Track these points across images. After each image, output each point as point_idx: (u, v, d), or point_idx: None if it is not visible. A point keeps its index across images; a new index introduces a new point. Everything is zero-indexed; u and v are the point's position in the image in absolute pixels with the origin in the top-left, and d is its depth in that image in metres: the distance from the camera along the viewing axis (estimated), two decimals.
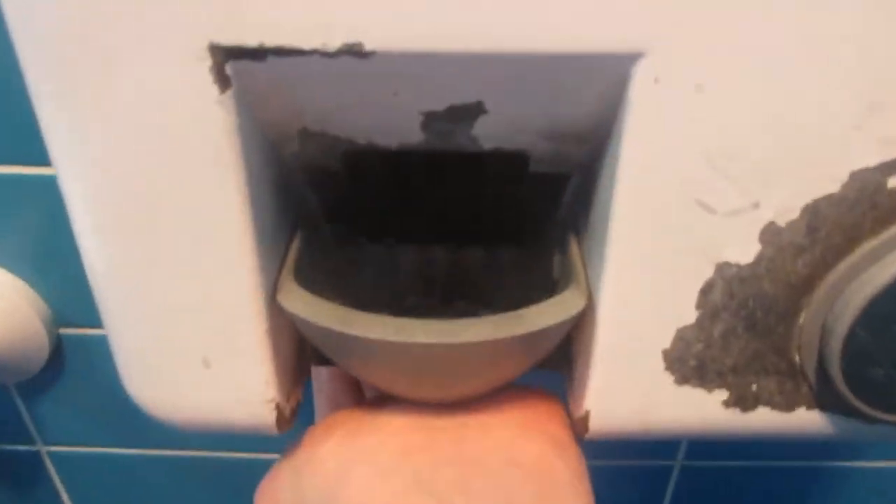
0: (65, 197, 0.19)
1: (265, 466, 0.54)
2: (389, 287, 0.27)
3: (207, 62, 0.16)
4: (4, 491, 0.60)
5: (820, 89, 0.16)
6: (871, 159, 0.17)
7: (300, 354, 0.24)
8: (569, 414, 0.24)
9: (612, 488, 0.57)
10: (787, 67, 0.16)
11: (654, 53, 0.16)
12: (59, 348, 0.51)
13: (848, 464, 0.56)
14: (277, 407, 0.22)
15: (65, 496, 0.60)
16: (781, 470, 0.57)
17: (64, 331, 0.50)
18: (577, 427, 0.22)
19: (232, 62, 0.16)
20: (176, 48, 0.16)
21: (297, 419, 0.24)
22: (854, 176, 0.18)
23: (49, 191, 0.42)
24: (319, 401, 0.30)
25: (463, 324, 0.19)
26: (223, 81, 0.16)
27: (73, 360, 0.51)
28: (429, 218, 0.25)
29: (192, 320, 0.20)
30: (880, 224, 0.18)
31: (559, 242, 0.24)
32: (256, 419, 0.22)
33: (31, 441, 0.56)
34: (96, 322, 0.48)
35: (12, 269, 0.47)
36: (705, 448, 0.55)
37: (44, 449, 0.57)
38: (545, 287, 0.25)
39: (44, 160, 0.41)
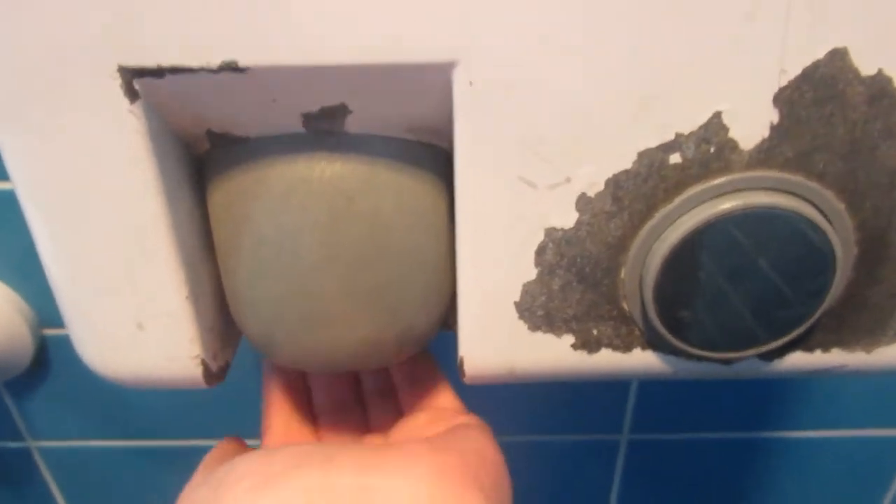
0: (17, 192, 0.23)
1: None
2: None
3: (118, 80, 0.21)
4: None
5: (603, 85, 0.21)
6: (653, 141, 0.22)
7: (224, 320, 0.28)
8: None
9: (562, 466, 0.61)
10: (574, 68, 0.21)
11: (464, 61, 0.20)
12: (43, 348, 0.54)
13: (790, 434, 0.59)
14: (203, 363, 0.26)
15: (55, 490, 0.63)
16: (728, 442, 0.60)
17: (47, 331, 0.53)
18: (459, 372, 0.27)
19: (137, 79, 0.21)
20: (93, 69, 0.20)
21: (226, 377, 0.28)
22: (641, 154, 0.22)
23: None
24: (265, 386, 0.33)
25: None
26: (132, 94, 0.21)
27: (57, 358, 0.55)
28: None
29: (125, 291, 0.25)
30: (671, 193, 0.23)
31: None
32: (186, 374, 0.26)
33: (20, 438, 0.59)
34: None
35: None
36: (650, 421, 0.58)
37: (33, 444, 0.60)
38: None
39: None
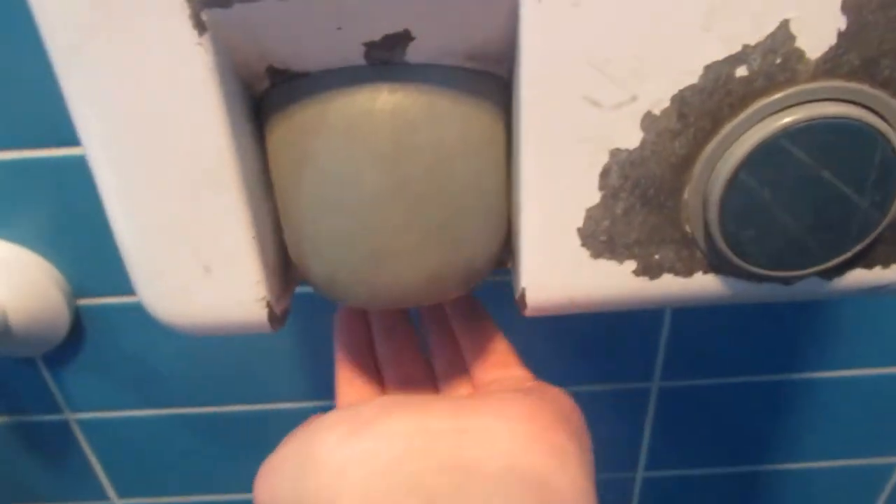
0: (79, 130, 0.23)
1: (285, 417, 0.59)
2: None
3: (187, 11, 0.21)
4: (36, 459, 0.64)
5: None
6: (720, 53, 0.22)
7: (285, 264, 0.28)
8: (518, 300, 0.27)
9: (593, 415, 0.61)
10: None
11: None
12: (78, 319, 0.55)
13: (819, 374, 0.60)
14: (268, 305, 0.26)
15: (94, 460, 0.64)
16: (758, 385, 0.60)
17: (82, 301, 0.54)
18: (520, 305, 0.27)
19: (206, 10, 0.21)
20: (163, 2, 0.20)
21: (288, 321, 0.29)
22: (708, 68, 0.22)
23: (65, 171, 0.46)
24: (336, 345, 0.33)
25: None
26: (200, 26, 0.21)
27: (93, 329, 0.55)
28: None
29: (192, 234, 0.25)
30: (736, 108, 0.23)
31: None
32: (252, 317, 0.27)
33: (58, 410, 0.60)
34: (113, 292, 0.52)
35: (32, 247, 0.51)
36: (681, 368, 0.59)
37: (71, 417, 0.61)
38: None
39: (58, 142, 0.45)
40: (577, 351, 0.57)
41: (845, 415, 0.62)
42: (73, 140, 0.44)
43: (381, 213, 0.25)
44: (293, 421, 0.60)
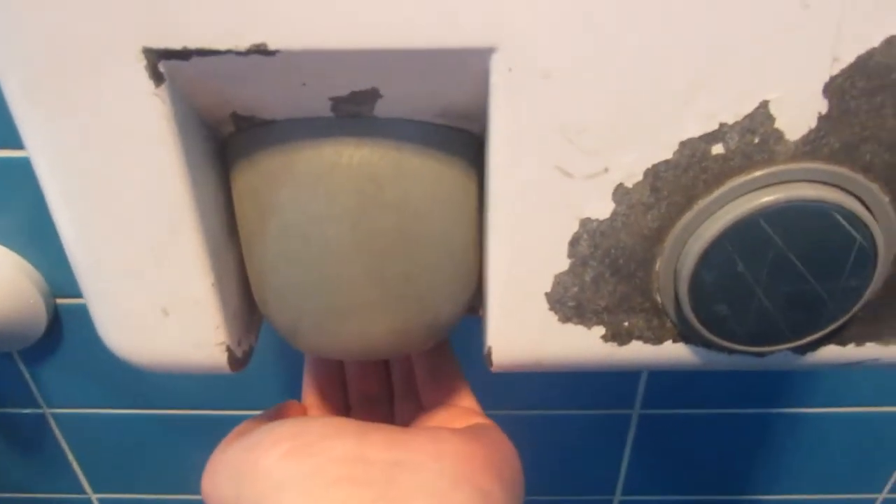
0: (37, 174, 0.23)
1: None
2: None
3: (143, 62, 0.20)
4: (13, 452, 0.64)
5: (648, 73, 0.20)
6: (696, 130, 0.21)
7: (249, 305, 0.28)
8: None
9: (574, 441, 0.61)
10: (618, 56, 0.20)
11: (504, 48, 0.20)
12: (56, 317, 0.55)
13: (799, 410, 0.60)
14: (228, 349, 0.26)
15: (70, 455, 0.64)
16: (738, 417, 0.60)
17: (60, 301, 0.53)
18: (486, 361, 0.26)
19: (163, 62, 0.20)
20: (118, 52, 0.20)
21: (250, 363, 0.28)
22: (683, 144, 0.21)
23: None
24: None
25: None
26: (157, 77, 0.20)
27: (70, 327, 0.55)
28: None
29: (150, 277, 0.24)
30: (711, 185, 0.22)
31: None
32: (211, 360, 0.26)
33: (35, 404, 0.60)
34: None
35: (11, 246, 0.51)
36: (662, 397, 0.59)
37: (48, 411, 0.61)
38: None
39: None
40: (561, 375, 0.57)
41: (824, 450, 0.62)
42: None
43: (344, 267, 0.24)
44: None
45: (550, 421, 0.60)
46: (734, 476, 0.65)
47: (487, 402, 0.57)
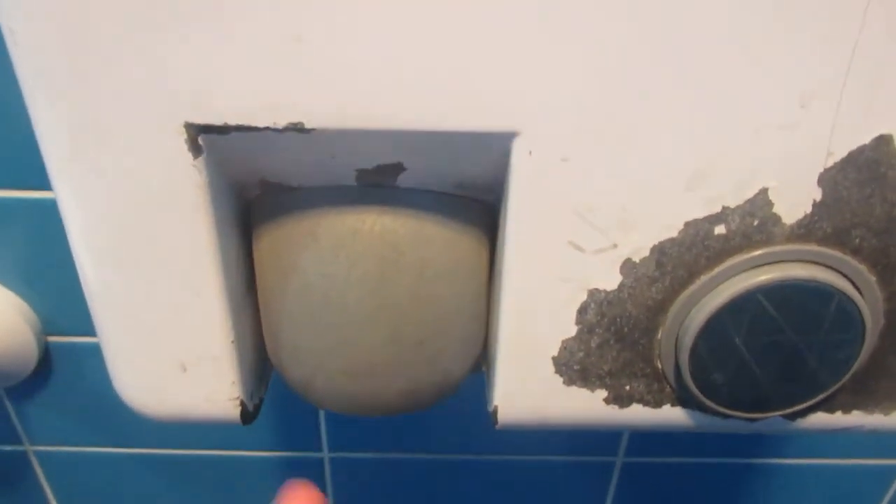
0: (67, 228, 0.23)
1: (242, 463, 0.59)
2: None
3: (184, 136, 0.21)
4: None
5: (658, 160, 0.22)
6: (700, 212, 0.23)
7: (262, 361, 0.29)
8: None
9: (557, 485, 0.62)
10: (630, 144, 0.21)
11: (526, 133, 0.21)
12: (46, 355, 0.55)
13: (780, 461, 0.61)
14: (242, 403, 0.27)
15: (49, 493, 0.63)
16: (720, 466, 0.61)
17: (52, 339, 0.53)
18: (492, 418, 0.27)
19: (203, 135, 0.21)
20: (161, 125, 0.21)
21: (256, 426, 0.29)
22: (688, 224, 0.23)
23: (39, 212, 0.46)
24: None
25: None
26: (196, 150, 0.21)
27: (60, 365, 0.55)
28: None
29: (171, 333, 0.25)
30: (712, 262, 0.23)
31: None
32: (225, 414, 0.27)
33: (17, 441, 0.59)
34: (81, 331, 0.52)
35: (4, 283, 0.51)
36: (646, 445, 0.60)
37: (30, 448, 0.60)
38: None
39: (35, 185, 0.45)
40: None
41: (806, 501, 0.63)
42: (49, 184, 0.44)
43: (361, 329, 0.25)
44: (254, 469, 0.59)
45: (533, 467, 0.60)
46: None
47: (471, 447, 0.58)
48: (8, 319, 0.51)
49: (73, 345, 0.53)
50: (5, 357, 0.52)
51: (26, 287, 0.51)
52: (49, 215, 0.47)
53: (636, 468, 0.61)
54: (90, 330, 0.52)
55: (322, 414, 0.56)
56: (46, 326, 0.53)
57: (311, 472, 0.60)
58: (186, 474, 0.61)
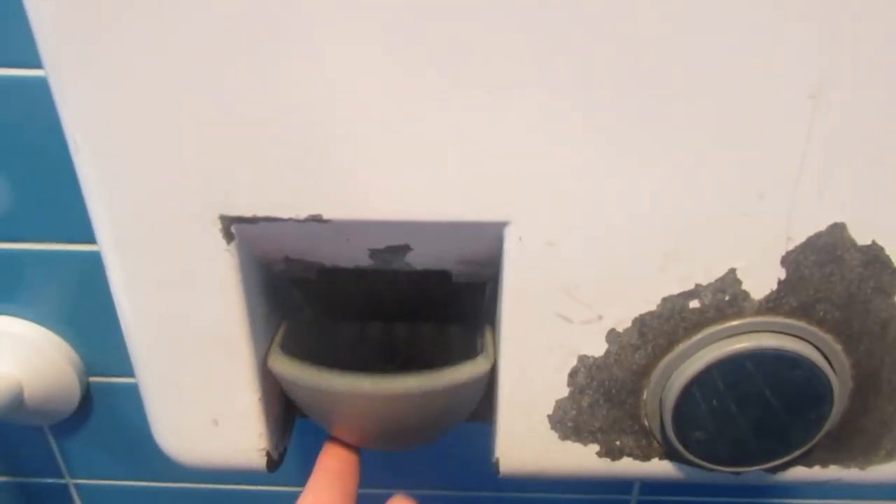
0: (115, 299, 0.27)
1: (271, 498, 0.61)
2: (359, 356, 0.34)
3: (219, 226, 0.24)
4: None
5: (634, 244, 0.24)
6: (675, 289, 0.25)
7: (286, 414, 0.32)
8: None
9: None
10: (608, 231, 0.24)
11: (516, 221, 0.24)
12: (88, 394, 0.58)
13: (794, 502, 0.62)
14: (268, 454, 0.29)
15: None
16: None
17: (93, 379, 0.57)
18: (494, 469, 0.30)
19: (235, 224, 0.24)
20: (199, 216, 0.24)
21: (284, 463, 0.32)
22: (665, 300, 0.25)
23: (83, 263, 0.50)
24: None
25: (401, 377, 0.27)
26: (229, 236, 0.25)
27: (101, 405, 0.58)
28: (389, 307, 0.33)
29: (205, 392, 0.28)
30: (689, 331, 0.26)
31: (482, 328, 0.32)
32: (252, 464, 0.30)
33: (59, 475, 0.63)
34: (121, 372, 0.55)
35: (52, 328, 0.54)
36: (660, 485, 0.61)
37: (71, 481, 0.63)
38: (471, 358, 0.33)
39: (80, 238, 0.49)
40: None
41: None
42: (94, 237, 0.48)
43: (370, 431, 0.28)
44: (283, 502, 0.62)
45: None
46: None
47: (486, 484, 0.60)
48: (53, 361, 0.55)
49: (113, 385, 0.57)
50: (50, 396, 0.55)
51: (70, 331, 0.55)
52: (92, 266, 0.50)
53: None
54: (129, 371, 0.55)
55: None
56: (89, 367, 0.56)
57: None
58: None
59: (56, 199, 0.47)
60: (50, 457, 0.62)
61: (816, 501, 0.61)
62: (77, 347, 0.56)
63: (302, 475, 0.61)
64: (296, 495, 0.62)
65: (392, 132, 0.23)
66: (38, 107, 0.43)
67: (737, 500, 0.62)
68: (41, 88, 0.43)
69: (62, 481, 0.63)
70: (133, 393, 0.57)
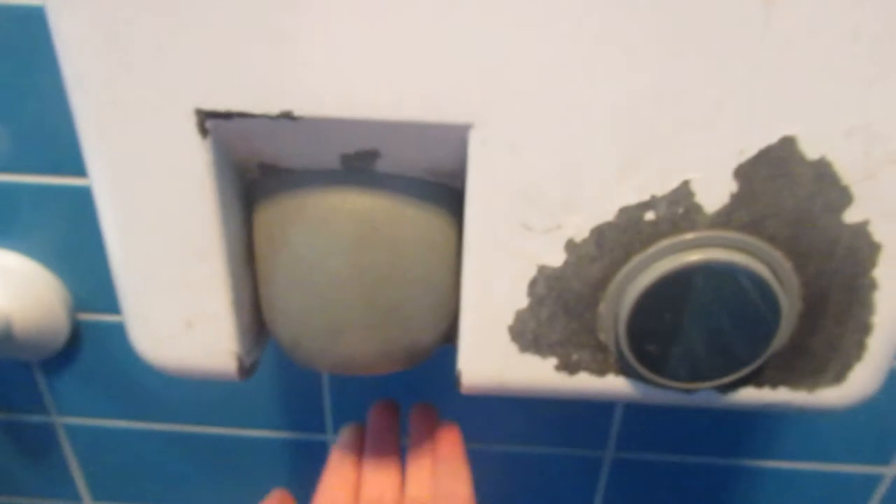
0: (95, 198, 0.28)
1: (259, 443, 0.63)
2: None
3: (194, 119, 0.25)
4: (19, 455, 0.67)
5: (593, 149, 0.25)
6: (633, 199, 0.26)
7: (259, 323, 0.33)
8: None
9: (545, 479, 0.64)
10: (569, 135, 0.25)
11: (479, 125, 0.25)
12: (77, 331, 0.59)
13: (767, 463, 0.63)
14: (239, 359, 0.31)
15: (74, 463, 0.67)
16: (709, 467, 0.63)
17: (83, 316, 0.58)
18: (457, 383, 0.31)
19: (209, 120, 0.25)
20: (175, 110, 0.25)
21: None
22: (622, 210, 0.26)
23: (75, 198, 0.51)
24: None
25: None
26: (204, 132, 0.26)
27: (90, 342, 0.59)
28: None
29: (180, 295, 0.29)
30: (645, 244, 0.27)
31: None
32: (224, 368, 0.31)
33: (46, 412, 0.64)
34: (110, 309, 0.56)
35: (42, 262, 0.55)
36: (633, 440, 0.62)
37: (58, 419, 0.64)
38: None
39: (70, 171, 0.50)
40: (534, 409, 0.60)
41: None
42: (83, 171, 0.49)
43: (341, 294, 0.29)
44: (267, 448, 0.63)
45: (519, 457, 0.63)
46: None
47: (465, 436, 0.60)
48: (42, 296, 0.55)
49: (102, 322, 0.58)
50: (37, 331, 0.56)
51: (60, 265, 0.56)
52: (83, 201, 0.51)
53: (625, 464, 0.63)
54: (118, 308, 0.56)
55: (327, 400, 0.60)
56: (78, 303, 0.57)
57: (315, 452, 0.63)
58: (202, 450, 0.65)
59: (50, 131, 0.48)
60: (37, 394, 0.63)
61: (787, 463, 0.62)
62: (67, 282, 0.57)
63: (283, 420, 0.62)
64: (276, 440, 0.63)
65: (356, 29, 0.23)
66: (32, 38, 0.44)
67: (708, 459, 0.63)
68: (35, 19, 0.44)
69: (49, 419, 0.64)
70: (122, 331, 0.58)
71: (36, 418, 0.64)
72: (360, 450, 0.38)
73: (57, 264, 0.56)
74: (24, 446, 0.67)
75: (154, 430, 0.64)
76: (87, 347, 0.60)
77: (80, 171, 0.50)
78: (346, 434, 0.39)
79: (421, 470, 0.37)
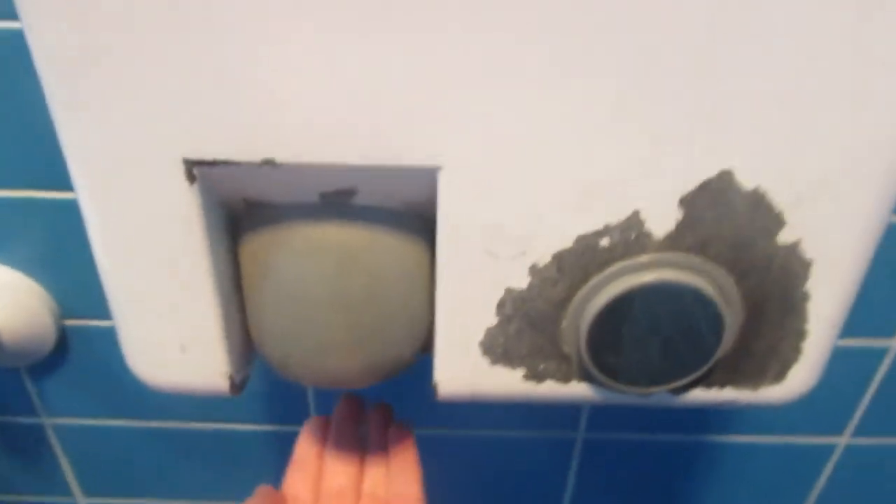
0: (90, 237, 0.30)
1: (245, 437, 0.64)
2: None
3: (182, 168, 0.27)
4: (10, 459, 0.69)
5: (551, 188, 0.28)
6: (589, 228, 0.29)
7: (246, 344, 0.35)
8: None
9: (518, 461, 0.67)
10: (527, 177, 0.27)
11: (447, 168, 0.27)
12: (63, 337, 0.61)
13: (731, 438, 0.66)
14: (230, 378, 0.33)
15: (65, 461, 0.69)
16: (676, 444, 0.66)
17: (69, 322, 0.60)
18: (434, 391, 0.34)
19: (196, 167, 0.27)
20: (164, 159, 0.27)
21: (245, 389, 0.35)
22: (579, 238, 0.29)
23: (58, 210, 0.53)
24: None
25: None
26: (192, 178, 0.28)
27: (76, 347, 0.61)
28: None
29: (175, 321, 0.31)
30: (601, 266, 0.30)
31: None
32: (216, 386, 0.33)
33: (35, 414, 0.65)
34: (96, 315, 0.58)
35: (27, 272, 0.57)
36: (604, 421, 0.64)
37: (47, 421, 0.66)
38: None
39: (55, 185, 0.51)
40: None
41: (749, 476, 0.68)
42: (69, 185, 0.50)
43: (324, 318, 0.31)
44: (254, 442, 0.65)
45: (492, 441, 0.65)
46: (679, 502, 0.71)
47: (434, 421, 0.63)
48: (28, 305, 0.57)
49: (87, 328, 0.59)
50: (25, 339, 0.58)
51: (46, 275, 0.57)
52: (67, 213, 0.53)
53: (597, 444, 0.66)
54: (103, 314, 0.58)
55: (311, 394, 0.63)
56: (64, 311, 0.59)
57: None
58: (189, 445, 0.67)
59: (32, 147, 0.49)
60: (26, 398, 0.64)
61: (748, 437, 0.66)
62: (52, 292, 0.58)
63: (269, 415, 0.64)
64: (263, 433, 0.65)
65: (333, 84, 0.25)
66: (14, 56, 0.45)
67: (674, 437, 0.66)
68: (17, 39, 0.45)
69: (38, 420, 0.66)
70: (107, 335, 0.59)
71: (26, 420, 0.66)
72: (324, 441, 0.42)
73: (42, 274, 0.57)
74: (16, 447, 0.68)
75: (142, 427, 0.66)
76: (74, 351, 0.61)
77: (61, 185, 0.51)
78: (310, 425, 0.42)
79: (377, 467, 0.40)
